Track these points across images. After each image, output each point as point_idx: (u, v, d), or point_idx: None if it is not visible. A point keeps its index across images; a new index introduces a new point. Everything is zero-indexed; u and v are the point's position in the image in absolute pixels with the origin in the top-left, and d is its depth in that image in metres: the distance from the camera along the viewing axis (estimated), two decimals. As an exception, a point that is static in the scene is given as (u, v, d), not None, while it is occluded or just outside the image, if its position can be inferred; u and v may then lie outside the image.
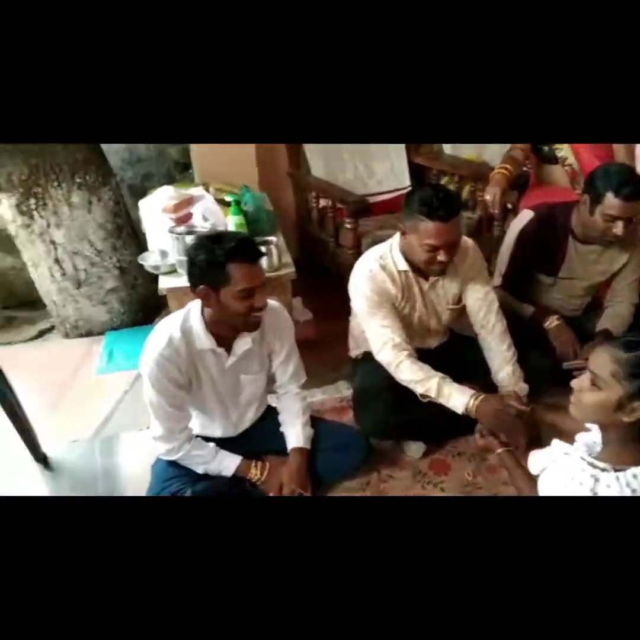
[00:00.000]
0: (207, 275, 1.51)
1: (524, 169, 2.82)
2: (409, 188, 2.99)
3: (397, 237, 1.86)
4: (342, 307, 2.02)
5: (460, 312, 2.00)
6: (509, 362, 1.91)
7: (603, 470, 1.10)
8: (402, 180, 3.04)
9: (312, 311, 2.86)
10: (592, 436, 1.26)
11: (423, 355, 1.87)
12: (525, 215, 2.12)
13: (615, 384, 1.10)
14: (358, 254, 2.23)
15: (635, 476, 1.08)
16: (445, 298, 1.95)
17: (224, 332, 1.64)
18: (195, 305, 1.63)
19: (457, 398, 1.72)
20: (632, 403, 1.08)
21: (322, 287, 2.78)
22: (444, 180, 3.12)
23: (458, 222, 1.72)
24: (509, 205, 2.71)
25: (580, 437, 1.29)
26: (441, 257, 1.73)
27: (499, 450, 1.59)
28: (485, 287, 1.93)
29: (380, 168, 3.09)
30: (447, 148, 3.15)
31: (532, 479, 1.35)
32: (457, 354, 2.05)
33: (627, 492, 1.08)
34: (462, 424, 1.79)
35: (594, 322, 2.18)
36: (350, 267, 1.93)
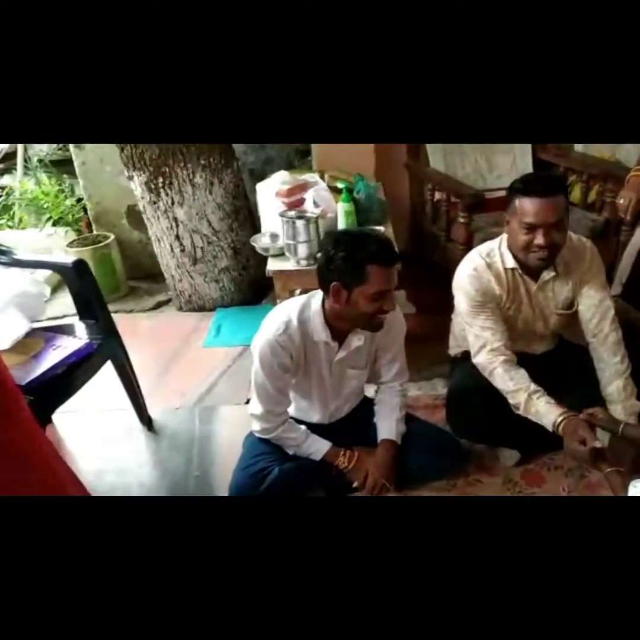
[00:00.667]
0: (342, 273, 1.51)
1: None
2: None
3: (505, 235, 1.80)
4: (447, 304, 1.97)
5: (571, 318, 1.89)
6: (621, 376, 1.78)
7: None
8: (525, 176, 2.91)
9: (416, 305, 2.84)
10: None
11: (528, 361, 1.80)
12: (654, 221, 1.96)
13: None
14: (469, 250, 2.17)
15: None
16: (555, 301, 1.85)
17: (340, 326, 1.66)
18: (315, 297, 1.66)
19: (545, 416, 1.64)
20: None
21: (430, 281, 2.74)
22: (571, 179, 2.95)
23: (559, 203, 1.63)
24: (641, 210, 2.51)
25: None
26: (539, 240, 1.64)
27: (607, 470, 1.49)
28: (600, 293, 1.81)
29: (501, 162, 2.98)
30: (578, 145, 2.96)
31: None
32: (565, 363, 1.94)
33: None
34: (560, 437, 1.70)
35: None
36: (459, 263, 1.88)
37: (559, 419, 1.61)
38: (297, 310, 1.63)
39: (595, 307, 1.81)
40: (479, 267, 1.79)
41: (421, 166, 2.98)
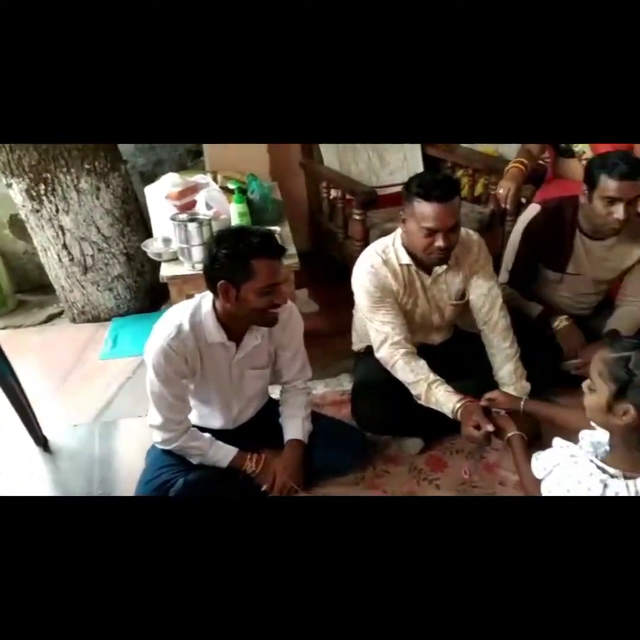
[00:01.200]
0: (228, 271, 1.48)
1: (541, 162, 2.76)
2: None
3: (400, 231, 1.84)
4: (350, 300, 1.99)
5: (464, 308, 1.96)
6: (511, 359, 1.87)
7: (613, 476, 1.06)
8: (415, 172, 2.98)
9: (321, 302, 2.85)
10: (597, 435, 1.20)
11: (427, 352, 1.85)
12: (532, 210, 2.07)
13: (602, 385, 1.08)
14: (366, 246, 2.20)
15: None
16: (448, 293, 1.92)
17: (236, 326, 1.62)
18: (206, 298, 1.61)
19: (444, 404, 1.70)
20: (618, 404, 1.05)
21: (331, 278, 2.76)
22: (458, 174, 3.06)
23: (456, 206, 1.69)
24: (523, 200, 2.64)
25: (584, 435, 1.24)
26: (439, 242, 1.69)
27: (510, 434, 1.54)
28: (489, 282, 1.89)
29: (393, 159, 3.05)
30: (463, 140, 3.08)
31: None
32: (461, 351, 2.02)
33: None
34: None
35: (605, 322, 2.13)
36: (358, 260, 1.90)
37: (457, 406, 1.67)
38: (188, 313, 1.59)
39: (484, 296, 1.89)
40: (376, 264, 1.82)
41: (315, 164, 2.99)
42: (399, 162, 3.07)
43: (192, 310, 1.59)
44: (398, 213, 1.81)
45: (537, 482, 1.29)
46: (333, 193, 2.88)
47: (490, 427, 1.58)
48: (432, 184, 1.66)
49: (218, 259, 1.48)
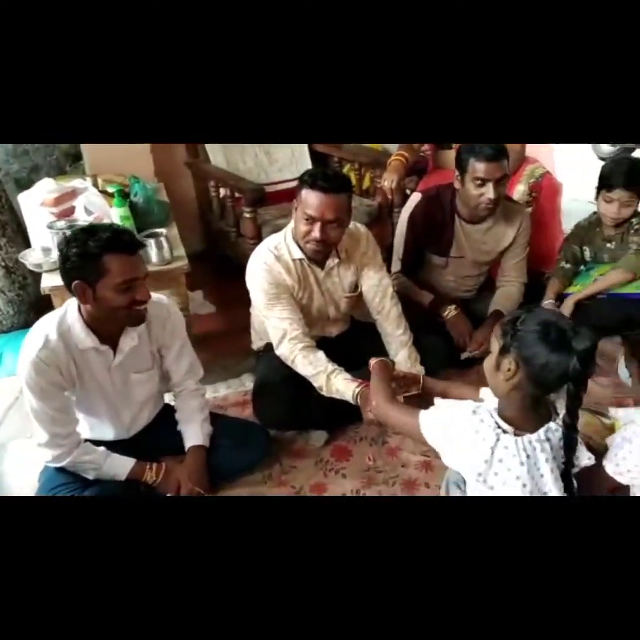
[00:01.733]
0: (80, 270, 1.43)
1: (422, 154, 2.87)
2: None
3: (291, 226, 1.85)
4: (247, 298, 1.97)
5: (358, 299, 2.01)
6: (405, 345, 1.94)
7: (505, 431, 1.15)
8: (303, 168, 3.00)
9: (217, 303, 2.82)
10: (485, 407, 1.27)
11: (325, 344, 1.88)
12: (413, 199, 2.16)
13: (495, 345, 1.16)
14: (259, 243, 2.19)
15: (530, 442, 1.15)
16: (341, 286, 1.95)
17: (106, 328, 1.56)
18: (72, 303, 1.55)
19: (344, 392, 1.74)
20: (503, 360, 1.13)
21: (228, 278, 2.73)
22: (345, 168, 3.12)
23: (340, 201, 1.73)
24: (408, 191, 2.74)
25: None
26: (315, 232, 1.73)
27: (405, 395, 1.56)
28: (379, 273, 1.95)
29: (281, 156, 3.05)
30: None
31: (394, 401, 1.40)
32: (358, 341, 2.06)
33: (523, 457, 1.13)
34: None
35: (488, 303, 2.25)
36: (252, 257, 1.88)
37: (356, 391, 1.71)
38: (55, 321, 1.52)
39: (376, 287, 1.94)
40: (268, 261, 1.82)
41: (202, 164, 2.94)
42: (287, 159, 3.08)
43: (59, 319, 1.53)
44: (290, 209, 1.83)
45: (392, 407, 1.36)
46: (222, 192, 2.84)
47: (372, 418, 1.62)
48: (321, 175, 1.72)
49: (69, 258, 1.43)
